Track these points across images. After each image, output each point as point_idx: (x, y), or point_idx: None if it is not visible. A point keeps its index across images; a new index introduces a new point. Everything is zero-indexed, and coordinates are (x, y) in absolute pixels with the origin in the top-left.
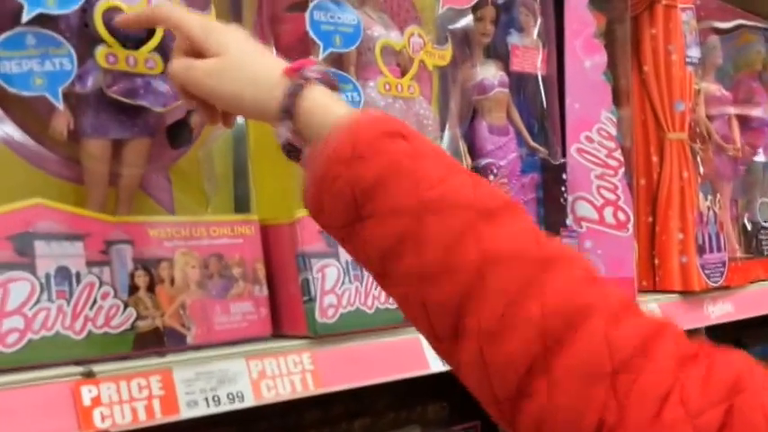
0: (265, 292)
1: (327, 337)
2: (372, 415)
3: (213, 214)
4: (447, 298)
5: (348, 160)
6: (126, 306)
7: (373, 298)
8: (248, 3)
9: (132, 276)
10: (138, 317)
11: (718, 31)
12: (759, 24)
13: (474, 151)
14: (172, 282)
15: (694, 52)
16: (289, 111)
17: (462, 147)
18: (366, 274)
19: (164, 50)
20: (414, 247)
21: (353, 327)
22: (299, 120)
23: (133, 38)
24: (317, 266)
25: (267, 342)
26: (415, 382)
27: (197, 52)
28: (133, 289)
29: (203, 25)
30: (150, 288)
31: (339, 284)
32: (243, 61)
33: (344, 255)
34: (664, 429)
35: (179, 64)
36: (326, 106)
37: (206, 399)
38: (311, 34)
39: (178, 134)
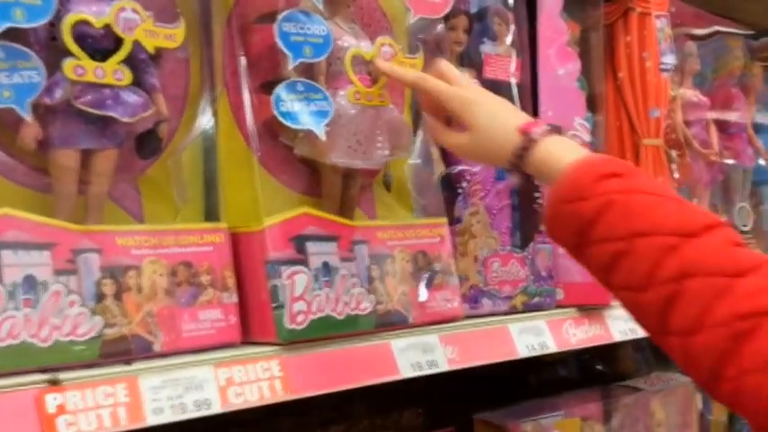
0: (235, 299)
1: (297, 344)
2: (347, 422)
3: (183, 223)
4: (652, 303)
5: (573, 201)
6: (93, 314)
7: (344, 304)
8: (218, 15)
9: (99, 284)
10: (105, 325)
11: (694, 38)
12: (735, 30)
13: (448, 158)
14: (139, 290)
15: (669, 59)
16: (517, 166)
17: (436, 153)
18: (337, 280)
19: (132, 62)
20: (625, 266)
21: (323, 333)
22: (530, 168)
23: (101, 50)
24: (286, 273)
25: (236, 349)
26: (389, 389)
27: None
28: (100, 297)
29: (460, 95)
30: (117, 296)
31: (309, 291)
32: (488, 136)
33: (314, 261)
34: None
35: (436, 133)
36: (554, 157)
37: (172, 406)
38: (281, 45)
39: (147, 144)
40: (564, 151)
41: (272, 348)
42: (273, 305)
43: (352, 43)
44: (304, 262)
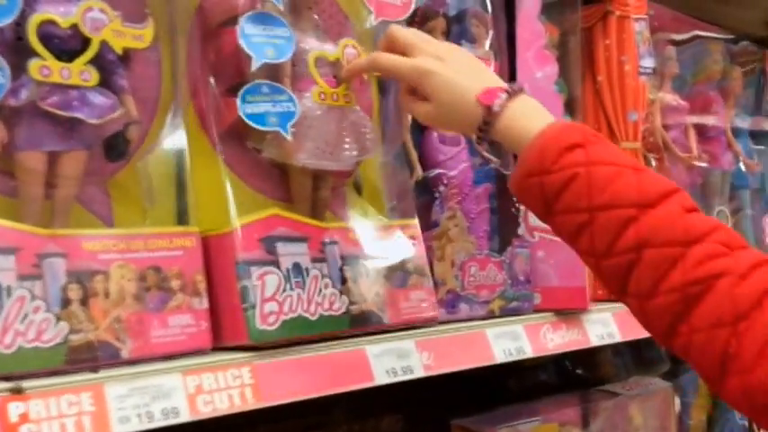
0: (206, 304)
1: (269, 351)
2: (326, 428)
3: (154, 226)
4: (615, 270)
5: (539, 174)
6: (58, 320)
7: (316, 305)
8: (182, 19)
9: (65, 290)
10: (71, 331)
11: (674, 43)
12: (715, 35)
13: (425, 161)
14: (107, 295)
15: (648, 62)
16: (483, 139)
17: (415, 156)
18: (308, 281)
19: (99, 63)
20: (589, 235)
21: (296, 334)
22: (496, 137)
23: (68, 50)
24: (256, 274)
25: (206, 356)
26: (369, 394)
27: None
28: (66, 303)
29: (415, 68)
30: (84, 302)
31: (280, 291)
32: (449, 107)
33: (285, 262)
34: (766, 360)
35: (404, 101)
36: (518, 128)
37: (138, 415)
38: (243, 46)
39: (115, 147)
40: (527, 120)
41: (244, 355)
42: (244, 306)
43: (315, 45)
44: (274, 263)
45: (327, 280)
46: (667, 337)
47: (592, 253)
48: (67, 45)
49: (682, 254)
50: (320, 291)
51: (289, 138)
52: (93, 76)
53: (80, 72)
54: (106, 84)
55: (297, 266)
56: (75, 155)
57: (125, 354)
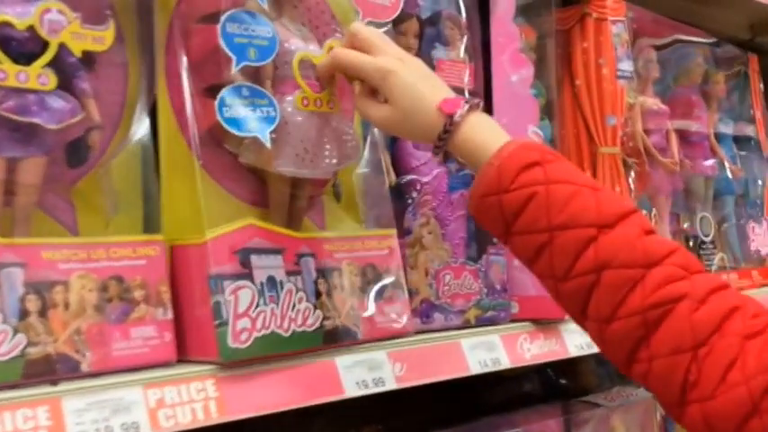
0: (170, 315)
1: (235, 363)
2: None
3: (116, 235)
4: (574, 293)
5: (497, 193)
6: (15, 332)
7: (290, 320)
8: (160, 15)
9: (23, 301)
10: (29, 343)
11: (655, 48)
12: (695, 39)
13: (399, 167)
14: (66, 306)
15: (626, 65)
16: (440, 149)
17: (386, 161)
18: (283, 295)
19: (59, 66)
20: (548, 256)
21: (268, 351)
22: (454, 151)
23: (26, 53)
24: (229, 288)
25: (169, 369)
26: (349, 405)
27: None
28: (23, 314)
29: (379, 68)
30: (42, 313)
31: (253, 307)
32: (407, 111)
33: (259, 275)
34: (727, 387)
35: (360, 103)
36: (476, 141)
37: (97, 429)
38: (224, 47)
39: (76, 152)
40: (485, 135)
41: (208, 367)
42: (216, 323)
43: (300, 46)
44: (249, 276)
45: (302, 294)
46: (627, 364)
47: (551, 275)
48: (25, 48)
49: (641, 276)
50: (294, 305)
51: (267, 144)
52: (51, 80)
53: (37, 76)
54: (67, 87)
55: (271, 280)
56: (35, 161)
57: (85, 367)
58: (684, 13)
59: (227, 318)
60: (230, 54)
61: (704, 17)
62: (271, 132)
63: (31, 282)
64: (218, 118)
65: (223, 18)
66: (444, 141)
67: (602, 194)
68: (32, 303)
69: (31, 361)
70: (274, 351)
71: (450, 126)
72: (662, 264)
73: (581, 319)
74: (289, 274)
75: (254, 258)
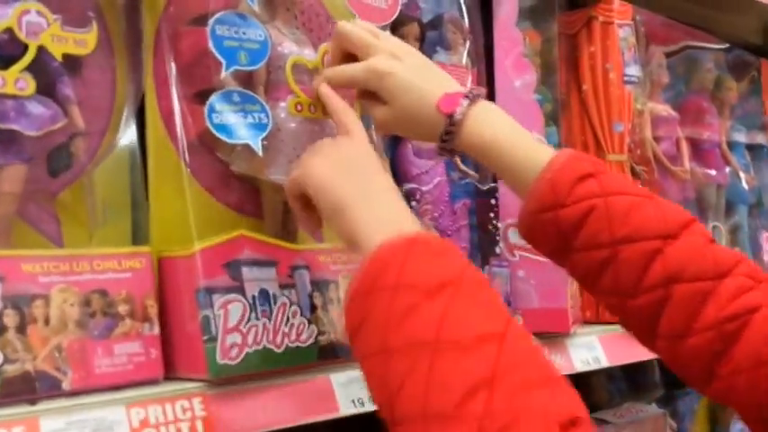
0: (156, 330)
1: (224, 380)
2: None
3: (100, 246)
4: (641, 309)
5: (552, 208)
6: None
7: (283, 335)
8: (148, 17)
9: (0, 316)
10: (6, 360)
11: (666, 55)
12: (706, 45)
13: (399, 175)
14: (46, 321)
15: (633, 70)
16: (446, 149)
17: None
18: (276, 309)
19: (37, 70)
20: (613, 273)
21: (260, 367)
22: (464, 151)
23: (5, 57)
24: (219, 302)
25: (154, 387)
26: (344, 424)
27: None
28: (1, 330)
29: (370, 70)
30: (21, 329)
31: (244, 321)
32: (406, 111)
33: (251, 288)
34: None
35: (362, 104)
36: (483, 141)
37: None
38: (213, 51)
39: (58, 160)
40: (495, 130)
41: (195, 385)
42: (204, 338)
43: (294, 50)
44: (239, 289)
45: (296, 308)
46: (705, 382)
47: (616, 291)
48: (4, 51)
49: (713, 288)
50: (288, 320)
51: (259, 152)
52: (30, 85)
53: (15, 80)
54: (50, 93)
55: (264, 293)
56: (14, 169)
57: (66, 385)
58: (695, 18)
59: (215, 333)
60: (220, 58)
61: (715, 22)
62: (262, 139)
63: (9, 295)
64: (208, 124)
65: (212, 20)
66: (448, 142)
67: (661, 203)
68: (10, 318)
69: (7, 379)
70: (267, 367)
71: (451, 126)
72: (732, 274)
73: (650, 338)
74: (282, 287)
75: (245, 271)
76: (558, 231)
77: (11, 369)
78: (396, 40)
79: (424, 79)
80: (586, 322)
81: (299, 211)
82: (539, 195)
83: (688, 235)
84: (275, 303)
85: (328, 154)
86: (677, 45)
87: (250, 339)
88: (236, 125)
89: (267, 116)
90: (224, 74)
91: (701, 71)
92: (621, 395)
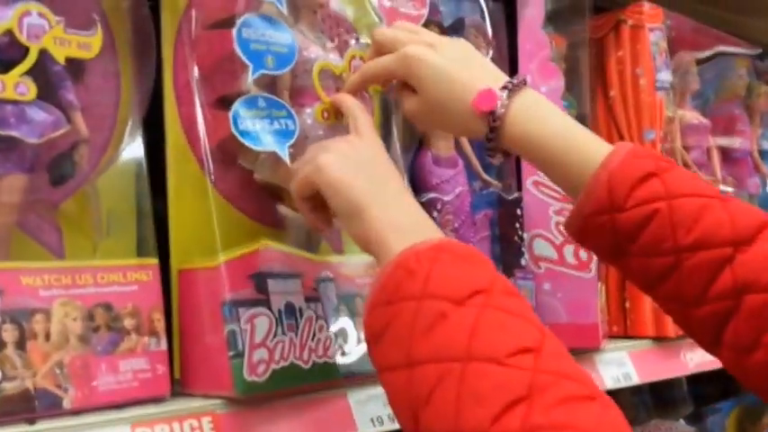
0: (164, 345)
1: (238, 399)
2: None
3: (106, 258)
4: (707, 320)
5: (609, 211)
6: None
7: (310, 351)
8: (167, 19)
9: None
10: (4, 378)
11: (697, 62)
12: (739, 51)
13: (418, 185)
14: (47, 336)
15: (665, 76)
16: (496, 152)
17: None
18: (302, 323)
19: (40, 75)
20: (675, 281)
21: (287, 385)
22: (506, 144)
23: (5, 61)
24: (245, 316)
25: (161, 405)
26: None
27: None
28: None
29: (401, 57)
30: (20, 344)
31: (271, 336)
32: (438, 100)
33: (277, 302)
34: None
35: (396, 94)
36: (530, 139)
37: None
38: (239, 54)
39: (60, 169)
40: (543, 125)
41: (204, 403)
42: (230, 353)
43: (320, 55)
44: (266, 302)
45: (322, 322)
46: None
47: (677, 299)
48: (5, 54)
49: None
50: (314, 335)
51: (286, 160)
52: (30, 90)
53: (15, 85)
54: (51, 99)
55: (290, 307)
56: (14, 178)
57: (67, 403)
58: (724, 24)
59: (242, 348)
60: (246, 61)
61: (743, 26)
62: (289, 147)
63: (7, 310)
64: (233, 131)
65: (239, 22)
66: (494, 141)
67: (733, 205)
68: (9, 334)
69: (5, 397)
70: (294, 384)
71: (494, 123)
72: None
73: (713, 346)
74: (308, 300)
75: (270, 283)
76: (615, 236)
77: (9, 387)
78: (436, 35)
79: (458, 70)
80: (613, 337)
81: (307, 212)
82: (594, 197)
83: (762, 241)
84: (301, 317)
85: (342, 151)
86: (709, 51)
87: (277, 355)
88: (262, 132)
89: (294, 123)
90: (251, 78)
91: (732, 77)
92: (648, 411)
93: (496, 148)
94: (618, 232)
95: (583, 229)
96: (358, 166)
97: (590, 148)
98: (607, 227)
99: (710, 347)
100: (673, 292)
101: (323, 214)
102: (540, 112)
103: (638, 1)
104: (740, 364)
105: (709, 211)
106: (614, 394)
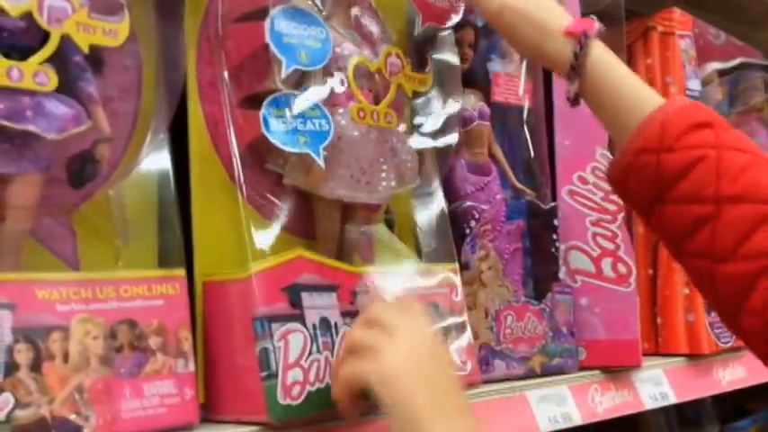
0: (192, 367)
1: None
2: None
3: (126, 269)
4: (735, 279)
5: (657, 151)
6: (1, 391)
7: None
8: (191, 12)
9: (11, 351)
10: (17, 404)
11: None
12: (761, 62)
13: (451, 193)
14: (65, 357)
15: (694, 84)
16: (578, 72)
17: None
18: (338, 340)
19: (63, 65)
20: (710, 232)
21: (323, 408)
22: (586, 79)
23: (21, 46)
24: (278, 332)
25: None
26: None
27: None
28: (11, 368)
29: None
30: (35, 366)
31: (305, 355)
32: (528, 12)
33: (311, 317)
34: None
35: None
36: (611, 70)
37: None
38: (272, 47)
39: (80, 169)
40: (616, 66)
41: (237, 431)
42: (263, 374)
43: (353, 51)
44: (300, 318)
45: None
46: None
47: (708, 253)
48: (20, 39)
49: None
50: None
51: (320, 162)
52: (51, 79)
53: (34, 73)
54: (70, 91)
55: (325, 322)
56: (28, 179)
57: None
58: (738, 38)
59: (276, 368)
60: (279, 56)
61: (757, 40)
62: (323, 149)
63: (21, 327)
64: (264, 131)
65: (273, 13)
66: (581, 62)
67: None
68: (23, 354)
69: (19, 426)
70: (331, 407)
71: (585, 42)
72: None
73: (733, 313)
74: (344, 314)
75: (305, 296)
76: (657, 177)
77: (23, 415)
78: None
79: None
80: (645, 354)
81: (347, 405)
82: (645, 134)
83: None
84: (337, 334)
85: (405, 342)
86: (733, 61)
87: (311, 376)
88: (294, 132)
89: (328, 123)
90: (284, 73)
91: (752, 89)
92: (671, 428)
93: (578, 71)
94: (662, 173)
95: (627, 169)
96: (421, 365)
97: (651, 94)
98: (652, 167)
99: (729, 314)
100: (704, 245)
101: (358, 406)
102: (614, 62)
103: (668, 7)
104: (764, 331)
105: (755, 167)
106: (643, 413)
